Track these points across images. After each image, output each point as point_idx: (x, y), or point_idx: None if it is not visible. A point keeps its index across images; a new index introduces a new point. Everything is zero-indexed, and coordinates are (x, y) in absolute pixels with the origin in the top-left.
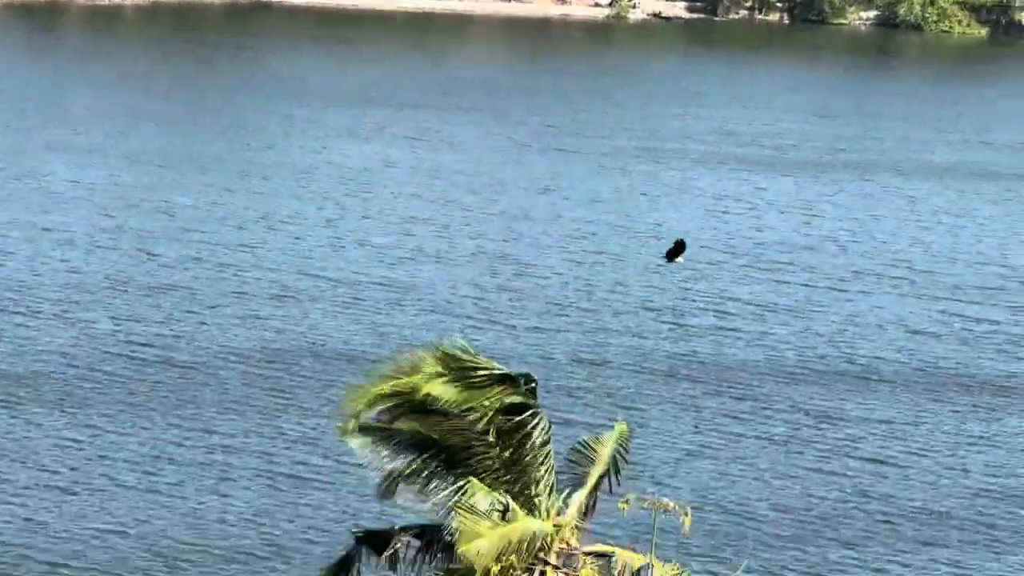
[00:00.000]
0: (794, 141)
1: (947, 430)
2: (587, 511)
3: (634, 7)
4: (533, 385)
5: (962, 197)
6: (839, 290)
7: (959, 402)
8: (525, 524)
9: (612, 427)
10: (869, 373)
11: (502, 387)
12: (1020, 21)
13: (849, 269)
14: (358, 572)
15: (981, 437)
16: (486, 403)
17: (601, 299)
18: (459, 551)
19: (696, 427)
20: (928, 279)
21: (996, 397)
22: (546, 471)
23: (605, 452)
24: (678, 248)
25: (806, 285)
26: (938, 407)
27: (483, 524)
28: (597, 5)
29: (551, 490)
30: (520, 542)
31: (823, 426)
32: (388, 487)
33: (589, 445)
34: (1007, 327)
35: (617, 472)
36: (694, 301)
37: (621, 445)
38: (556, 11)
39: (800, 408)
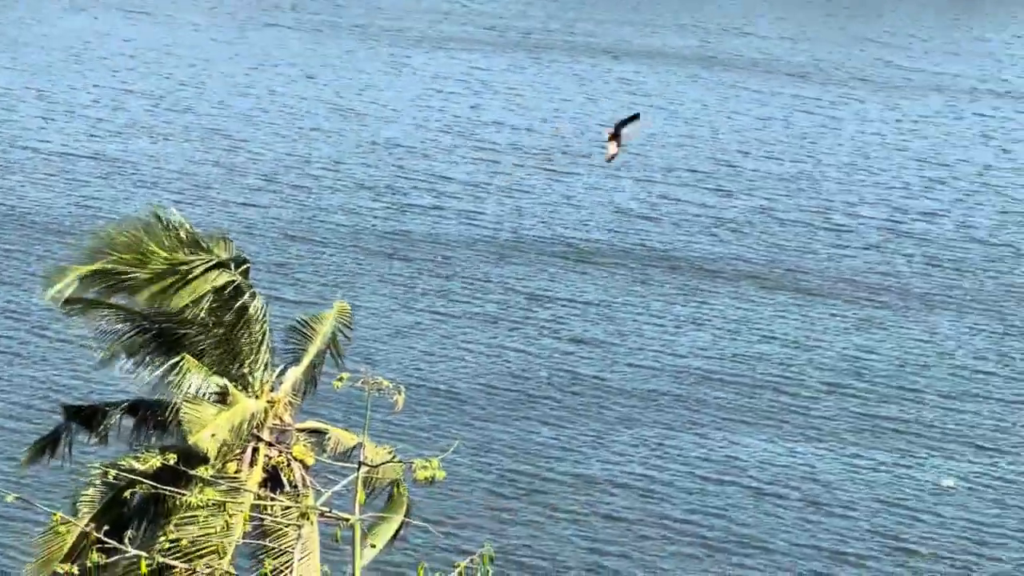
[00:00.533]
0: (513, 21)
1: (654, 311)
2: (304, 389)
3: None
4: (246, 266)
5: (679, 80)
6: (550, 170)
7: (667, 283)
8: (244, 405)
9: (331, 305)
10: (580, 254)
11: (214, 267)
12: None
13: (561, 150)
14: (69, 446)
15: (687, 319)
16: (197, 283)
17: (316, 176)
18: (190, 441)
19: (409, 306)
20: (641, 161)
21: (703, 280)
22: (260, 349)
23: (323, 330)
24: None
25: (519, 165)
26: (646, 289)
27: (207, 411)
28: None
29: (265, 367)
30: (241, 424)
31: (533, 306)
32: (104, 359)
33: (308, 323)
34: (715, 211)
35: (338, 350)
36: (408, 179)
37: (342, 323)
38: None
39: (511, 288)
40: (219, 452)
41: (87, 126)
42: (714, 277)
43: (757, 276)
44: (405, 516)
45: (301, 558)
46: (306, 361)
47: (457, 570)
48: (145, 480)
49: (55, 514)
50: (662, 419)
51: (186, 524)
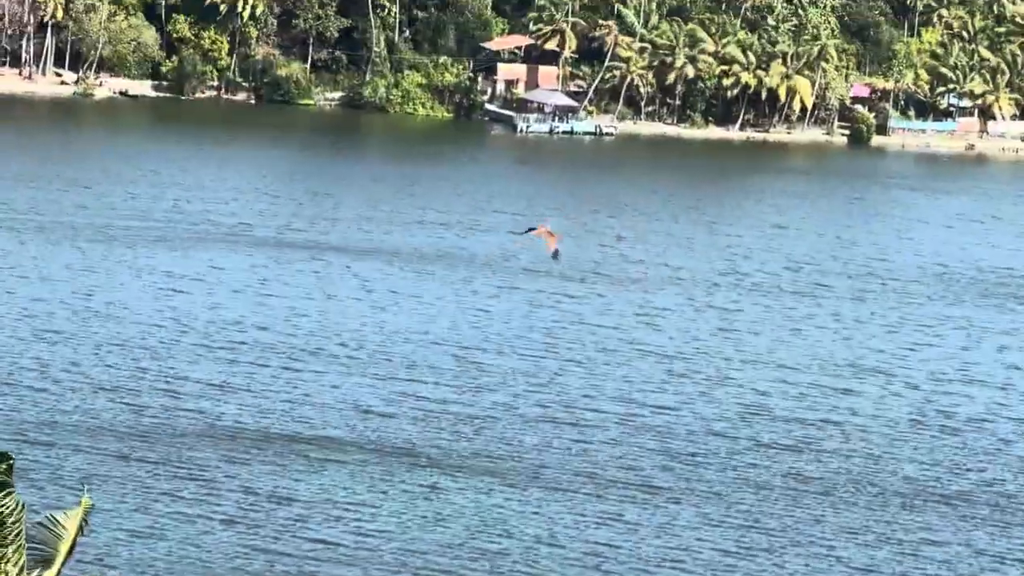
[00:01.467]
0: (252, 220)
1: (394, 509)
2: None
3: (100, 84)
4: (10, 462)
5: (419, 276)
6: (292, 369)
7: (410, 480)
8: None
9: (77, 502)
10: (321, 451)
11: None
12: (483, 105)
13: (303, 347)
14: None
15: (431, 516)
16: None
17: (55, 377)
18: None
19: (147, 507)
20: (381, 357)
21: (444, 476)
22: (17, 550)
23: (72, 527)
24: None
25: (258, 364)
26: (389, 485)
27: None
28: (63, 83)
29: (21, 570)
30: None
31: (273, 505)
32: None
33: (57, 521)
34: (459, 406)
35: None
36: (146, 379)
37: (84, 519)
38: (21, 88)
39: (250, 488)
40: None
41: None
42: (456, 472)
43: (499, 472)
44: None
45: None
46: (58, 562)
47: None
48: None
49: None
50: None
51: None
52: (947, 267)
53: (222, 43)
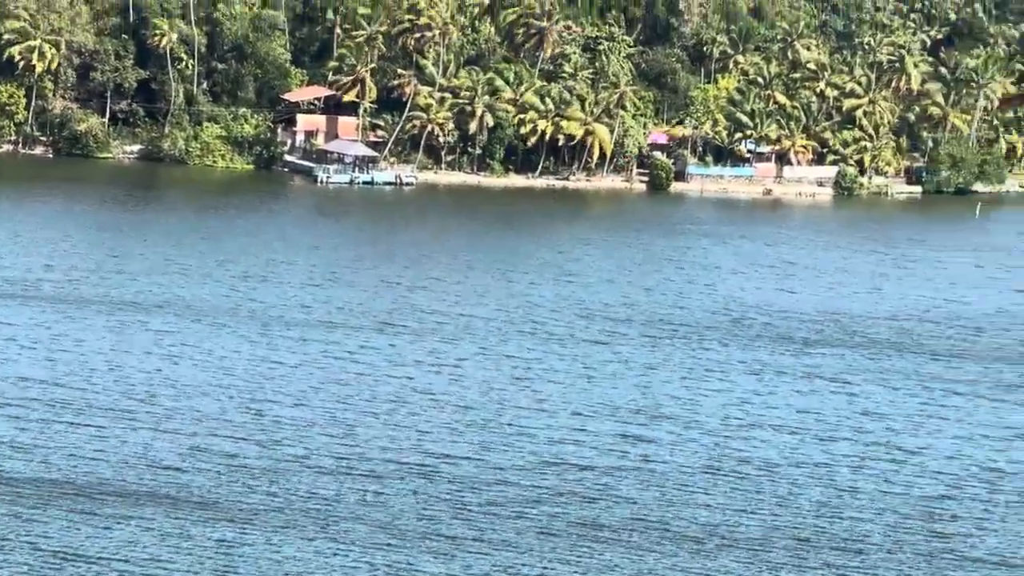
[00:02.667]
0: (45, 275)
1: (188, 564)
2: None
3: None
4: None
5: (212, 330)
6: (84, 424)
7: (205, 533)
8: None
9: None
10: (114, 507)
11: None
12: (283, 156)
13: (95, 403)
14: None
15: (221, 568)
16: None
17: None
18: None
19: None
20: (175, 411)
21: (236, 527)
22: None
23: None
24: None
25: (50, 420)
26: (182, 539)
27: None
28: None
29: None
30: None
31: (62, 562)
32: None
33: None
34: (252, 459)
35: None
36: None
37: None
38: None
39: (40, 545)
40: None
41: None
42: (250, 524)
43: (294, 524)
44: None
45: None
46: None
47: None
48: None
49: None
50: None
51: None
52: (739, 312)
53: (19, 97)
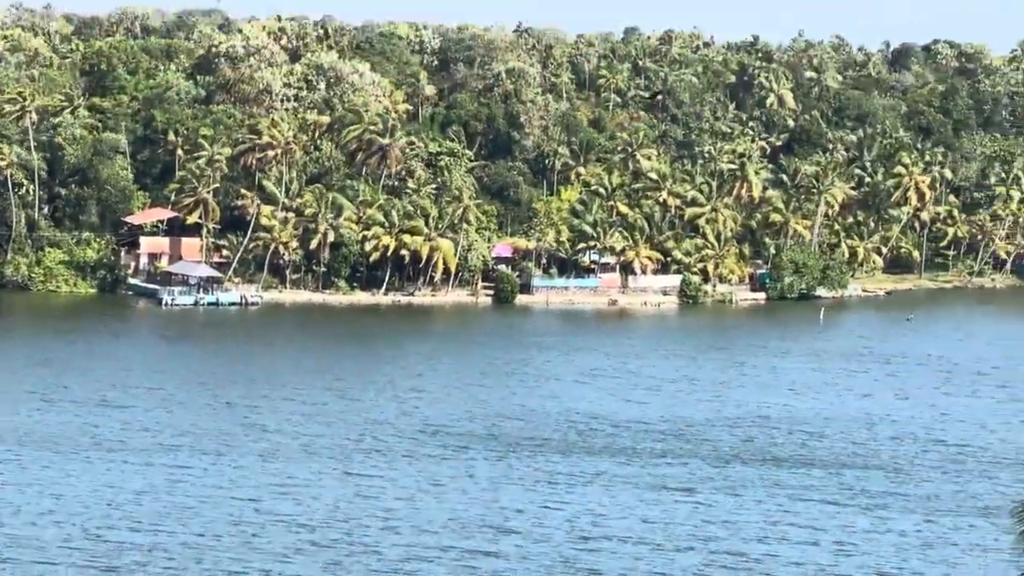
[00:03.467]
0: None
1: None
2: None
3: None
4: None
5: (45, 459)
6: None
7: None
8: None
9: None
10: None
11: None
12: (127, 279)
13: None
14: None
15: None
16: None
17: None
18: None
19: None
20: (11, 537)
21: None
22: None
23: None
24: None
25: None
26: None
27: None
28: None
29: None
30: None
31: None
32: None
33: None
34: None
35: None
36: None
37: None
38: None
39: None
40: None
41: None
42: None
43: None
44: None
45: None
46: None
47: None
48: None
49: None
50: None
51: None
52: (583, 423)
53: None
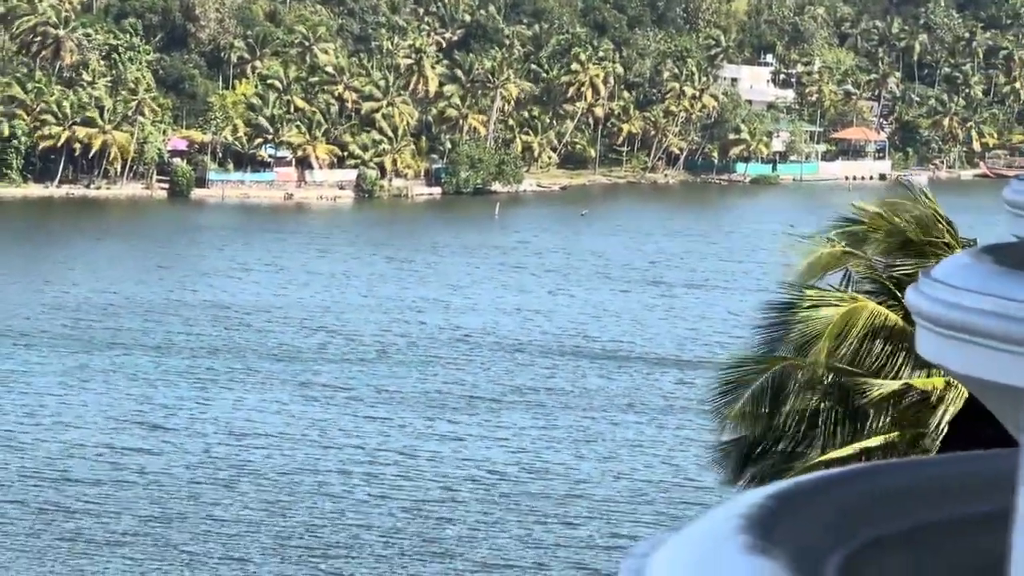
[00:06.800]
0: None
1: None
2: None
3: None
4: None
5: None
6: None
7: None
8: None
9: None
10: None
11: None
12: None
13: None
14: None
15: None
16: None
17: None
18: None
19: None
20: None
21: None
22: None
23: None
24: None
25: None
26: None
27: None
28: None
29: None
30: None
31: None
32: None
33: None
34: None
35: None
36: None
37: None
38: None
39: None
40: None
41: None
42: None
43: None
44: None
45: None
46: None
47: None
48: None
49: None
50: None
51: None
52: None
53: None
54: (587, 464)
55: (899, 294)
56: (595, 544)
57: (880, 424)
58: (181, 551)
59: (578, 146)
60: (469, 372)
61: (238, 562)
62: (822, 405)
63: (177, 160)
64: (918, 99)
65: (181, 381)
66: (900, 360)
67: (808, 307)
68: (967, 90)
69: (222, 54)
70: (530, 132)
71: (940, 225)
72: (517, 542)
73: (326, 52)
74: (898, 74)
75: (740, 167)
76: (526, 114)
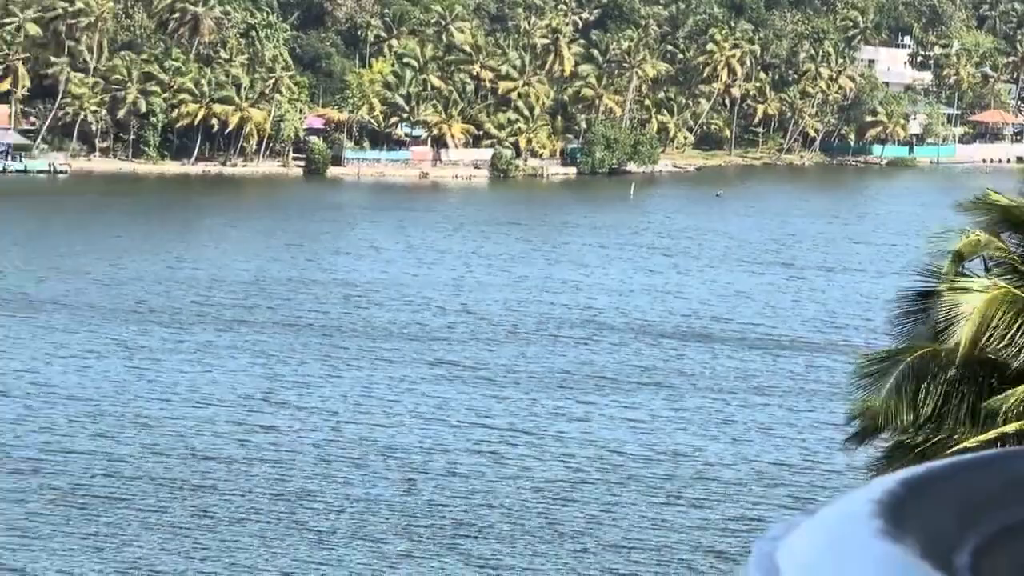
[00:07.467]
0: None
1: None
2: None
3: None
4: None
5: None
6: None
7: None
8: None
9: None
10: None
11: None
12: None
13: None
14: None
15: None
16: None
17: None
18: None
19: None
20: None
21: None
22: None
23: None
24: None
25: None
26: None
27: None
28: None
29: None
30: None
31: None
32: None
33: None
34: None
35: None
36: None
37: None
38: None
39: None
40: None
41: None
42: None
43: None
44: None
45: None
46: None
47: None
48: None
49: None
50: None
51: None
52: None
53: None
54: (716, 446)
55: None
56: (724, 527)
57: (1018, 410)
58: (309, 529)
59: (714, 127)
60: (598, 352)
61: (365, 540)
62: (960, 391)
63: (313, 138)
64: None
65: (311, 359)
66: None
67: (947, 294)
68: None
69: (359, 32)
70: (666, 112)
71: None
72: (644, 524)
73: (462, 31)
74: None
75: (876, 149)
76: (662, 94)
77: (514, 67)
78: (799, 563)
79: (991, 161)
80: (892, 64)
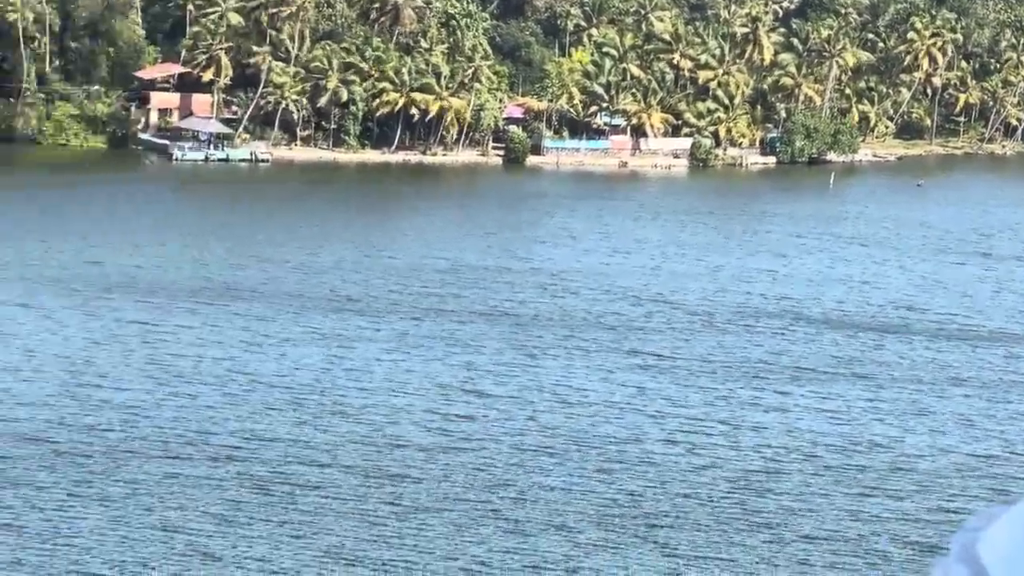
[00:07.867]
0: None
1: None
2: None
3: None
4: None
5: (77, 304)
6: None
7: None
8: None
9: None
10: None
11: None
12: (137, 134)
13: None
14: None
15: None
16: None
17: None
18: None
19: None
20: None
21: None
22: None
23: None
24: None
25: None
26: None
27: None
28: None
29: None
30: None
31: None
32: None
33: None
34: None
35: None
36: None
37: None
38: None
39: None
40: None
41: None
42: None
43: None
44: None
45: None
46: None
47: None
48: None
49: None
50: None
51: None
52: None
53: None
54: (913, 437)
55: None
56: (921, 518)
57: None
58: (503, 517)
59: (915, 116)
60: (795, 342)
61: (559, 529)
62: None
63: (513, 127)
64: None
65: (507, 348)
66: None
67: None
68: None
69: (558, 22)
70: (866, 101)
71: None
72: (841, 514)
73: (662, 20)
74: None
75: None
76: (862, 83)
77: (713, 56)
78: (1001, 555)
79: None
80: None
